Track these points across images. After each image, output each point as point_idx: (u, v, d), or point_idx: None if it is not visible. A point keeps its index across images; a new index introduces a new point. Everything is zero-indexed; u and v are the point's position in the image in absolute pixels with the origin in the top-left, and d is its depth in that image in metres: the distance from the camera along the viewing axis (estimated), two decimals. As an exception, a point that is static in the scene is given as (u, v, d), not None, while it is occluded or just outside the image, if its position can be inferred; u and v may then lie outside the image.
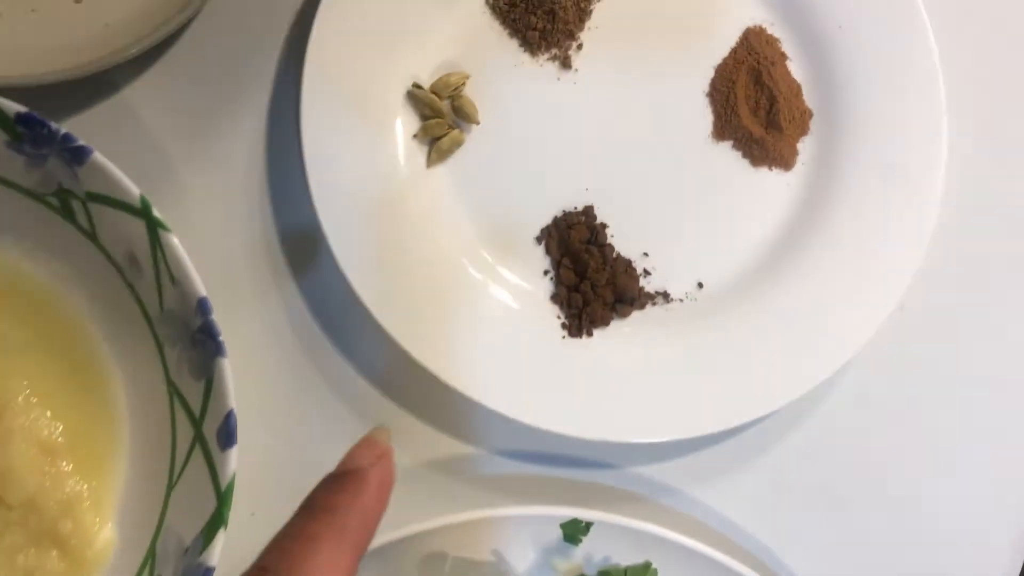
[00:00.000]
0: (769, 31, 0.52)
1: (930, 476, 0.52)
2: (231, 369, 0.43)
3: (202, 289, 0.43)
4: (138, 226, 0.44)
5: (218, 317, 0.43)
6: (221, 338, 0.43)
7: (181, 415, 0.46)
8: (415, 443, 0.50)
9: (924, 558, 0.51)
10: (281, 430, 0.50)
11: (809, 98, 0.52)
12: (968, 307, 0.53)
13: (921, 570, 0.51)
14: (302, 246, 0.50)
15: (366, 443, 0.27)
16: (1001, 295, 0.53)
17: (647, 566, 0.48)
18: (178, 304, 0.45)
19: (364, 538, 0.25)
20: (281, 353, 0.50)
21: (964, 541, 0.51)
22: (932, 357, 0.52)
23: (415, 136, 0.50)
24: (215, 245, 0.50)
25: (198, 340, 0.44)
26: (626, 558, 0.48)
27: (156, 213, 0.43)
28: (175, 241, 0.44)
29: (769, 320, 0.50)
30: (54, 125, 0.43)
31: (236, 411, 0.43)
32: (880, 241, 0.50)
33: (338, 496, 0.25)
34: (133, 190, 0.43)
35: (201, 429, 0.45)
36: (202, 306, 0.43)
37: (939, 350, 0.52)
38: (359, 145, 0.49)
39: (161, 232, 0.44)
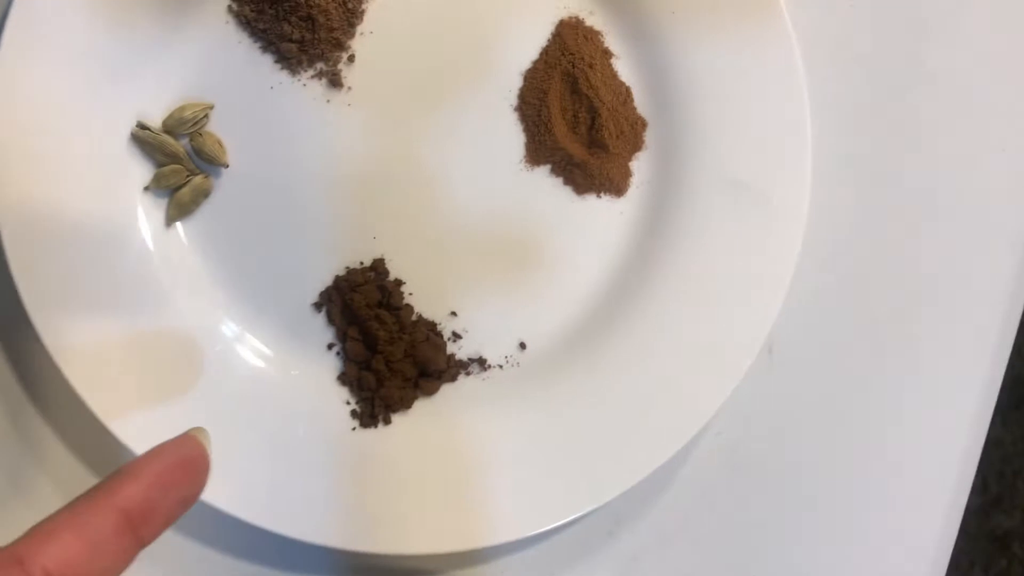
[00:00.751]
0: (588, 22, 0.42)
1: (818, 556, 0.43)
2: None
3: None
4: None
5: None
6: None
7: None
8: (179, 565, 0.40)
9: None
10: None
11: (641, 104, 0.42)
12: (846, 340, 0.44)
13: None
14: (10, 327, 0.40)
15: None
16: (882, 321, 0.44)
17: None
18: None
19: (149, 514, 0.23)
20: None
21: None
22: (809, 407, 0.44)
23: (147, 188, 0.40)
24: None
25: None
26: None
27: None
28: None
29: (610, 381, 0.41)
30: None
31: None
32: (738, 273, 0.41)
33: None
34: None
35: None
36: None
37: (817, 398, 0.44)
38: (78, 209, 0.38)
39: None
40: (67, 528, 0.21)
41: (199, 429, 0.26)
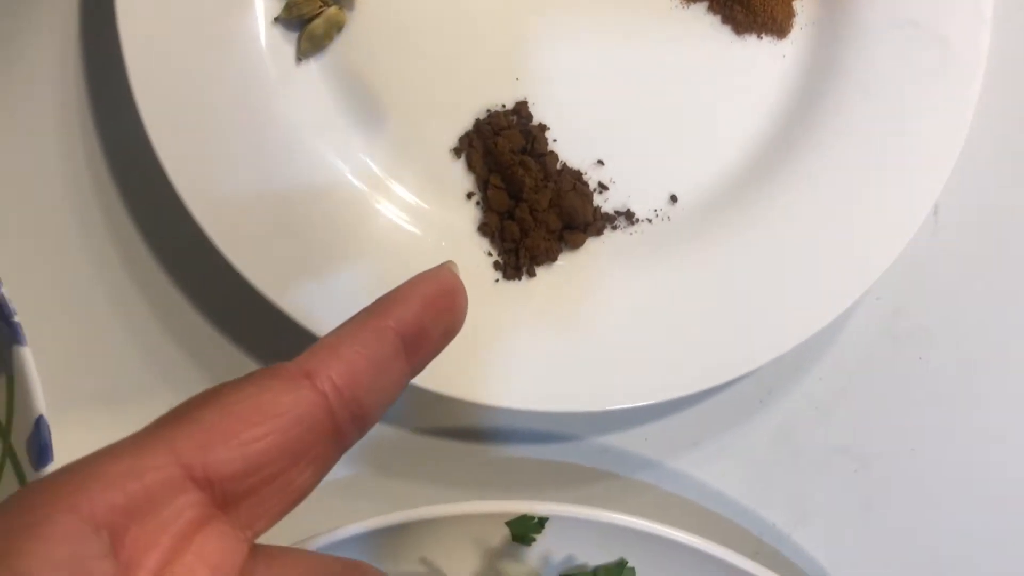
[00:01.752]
0: None
1: (977, 428, 0.41)
2: (38, 361, 0.32)
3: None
4: None
5: (22, 294, 0.32)
6: (17, 319, 0.32)
7: (-17, 419, 0.35)
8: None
9: (964, 534, 0.41)
10: (110, 427, 0.38)
11: (807, -63, 0.39)
12: (1018, 207, 0.41)
13: (958, 546, 0.41)
14: (140, 187, 0.38)
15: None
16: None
17: (621, 565, 0.38)
18: (-45, 274, 0.33)
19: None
20: (127, 330, 0.38)
21: (1009, 509, 0.41)
22: (974, 275, 0.41)
23: (277, 19, 0.37)
24: (23, 195, 0.38)
25: (-12, 324, 0.33)
26: (594, 556, 0.38)
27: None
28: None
29: (768, 239, 0.39)
30: None
31: (49, 415, 0.32)
32: (908, 126, 0.38)
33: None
34: None
35: (9, 440, 0.34)
36: (-17, 276, 0.32)
37: (982, 265, 0.41)
38: (203, 38, 0.36)
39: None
40: (351, 345, 0.21)
41: (451, 262, 0.25)
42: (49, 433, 0.32)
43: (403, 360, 0.22)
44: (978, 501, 0.41)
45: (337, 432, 0.20)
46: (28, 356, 0.32)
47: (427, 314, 0.22)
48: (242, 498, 0.19)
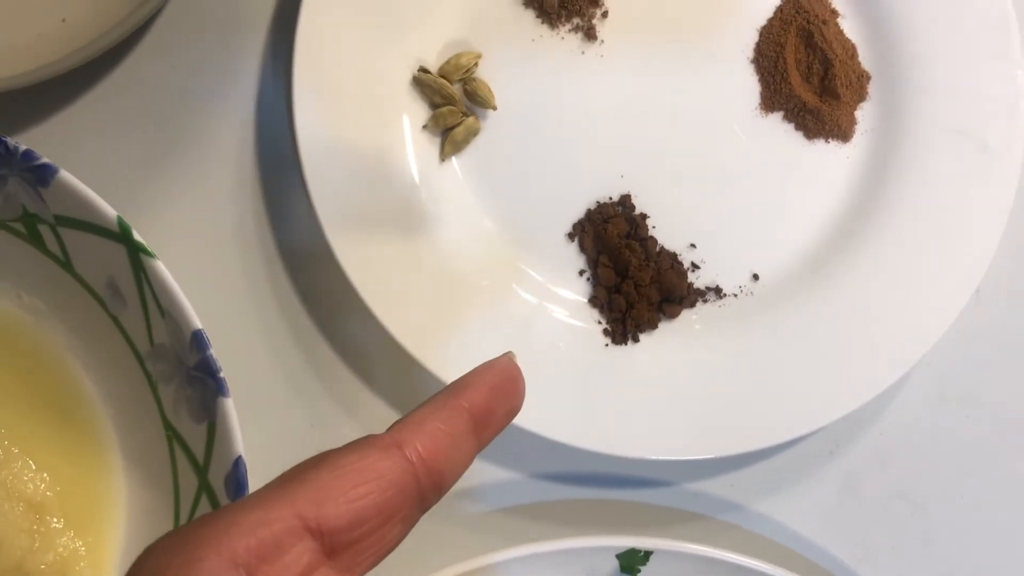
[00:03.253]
0: (817, -15, 0.46)
1: (1017, 478, 0.47)
2: (235, 408, 0.38)
3: (196, 321, 0.38)
4: (117, 252, 0.39)
5: (217, 350, 0.38)
6: (222, 375, 0.38)
7: (183, 461, 0.41)
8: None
9: (1013, 572, 0.47)
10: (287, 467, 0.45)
11: (866, 59, 0.46)
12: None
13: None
14: (305, 262, 0.45)
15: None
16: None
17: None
18: (170, 338, 0.40)
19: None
20: (290, 383, 0.45)
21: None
22: (1013, 344, 0.47)
23: (425, 127, 0.45)
24: (206, 268, 0.45)
25: (195, 378, 0.39)
26: (689, 587, 0.43)
27: (137, 237, 0.38)
28: (161, 267, 0.38)
29: (835, 312, 0.45)
30: (11, 141, 0.38)
31: (245, 455, 0.38)
32: (955, 217, 0.45)
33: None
34: (108, 211, 0.38)
35: (207, 477, 0.40)
36: (198, 340, 0.38)
37: (1021, 336, 0.47)
38: (362, 142, 0.43)
39: (144, 258, 0.39)
40: (432, 421, 0.24)
41: (511, 353, 0.29)
42: (246, 471, 0.39)
43: (473, 437, 0.25)
44: (1017, 540, 0.47)
45: (421, 495, 0.23)
46: (231, 405, 0.39)
47: (493, 397, 0.25)
48: (346, 547, 0.21)
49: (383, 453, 0.22)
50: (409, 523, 0.23)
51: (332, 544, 0.21)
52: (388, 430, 0.23)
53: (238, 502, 0.21)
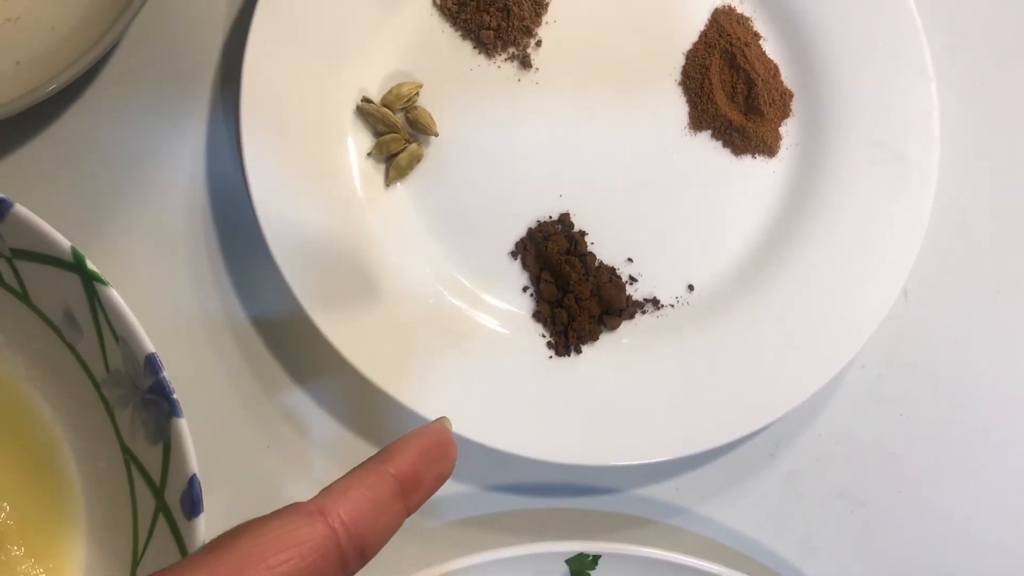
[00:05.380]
0: (739, 10, 0.49)
1: (952, 472, 0.49)
2: (189, 428, 0.40)
3: (149, 345, 0.40)
4: (72, 281, 0.41)
5: (171, 372, 0.40)
6: (175, 396, 0.40)
7: (140, 483, 0.42)
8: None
9: (951, 560, 0.48)
10: (249, 486, 0.46)
11: (788, 79, 0.49)
12: (974, 286, 0.50)
13: (941, 570, 0.49)
14: (257, 285, 0.47)
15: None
16: (1007, 271, 0.50)
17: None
18: (125, 363, 0.41)
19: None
20: (243, 404, 0.46)
21: (991, 542, 0.49)
22: (942, 343, 0.50)
23: (369, 154, 0.47)
24: (160, 293, 0.46)
25: (150, 401, 0.41)
26: (638, 589, 0.45)
27: (91, 266, 0.40)
28: (114, 294, 0.40)
29: (768, 318, 0.47)
30: (-34, 178, 0.39)
31: (199, 474, 0.40)
32: (878, 223, 0.47)
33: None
34: (63, 243, 0.40)
35: (163, 497, 0.41)
36: (151, 363, 0.40)
37: (949, 335, 0.50)
38: (310, 170, 0.45)
39: (98, 286, 0.40)
40: (356, 488, 0.25)
41: (444, 418, 0.30)
42: (200, 489, 0.40)
43: (400, 501, 0.25)
44: (956, 531, 0.48)
45: (343, 561, 0.23)
46: (184, 425, 0.40)
47: (421, 463, 0.26)
48: None
49: (305, 520, 0.23)
50: None
51: None
52: (313, 498, 0.24)
53: (157, 572, 0.22)
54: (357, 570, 0.24)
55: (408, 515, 0.26)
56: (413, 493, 0.26)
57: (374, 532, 0.24)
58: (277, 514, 0.24)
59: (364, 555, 0.24)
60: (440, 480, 0.27)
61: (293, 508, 0.24)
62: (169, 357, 0.40)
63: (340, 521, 0.24)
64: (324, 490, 0.25)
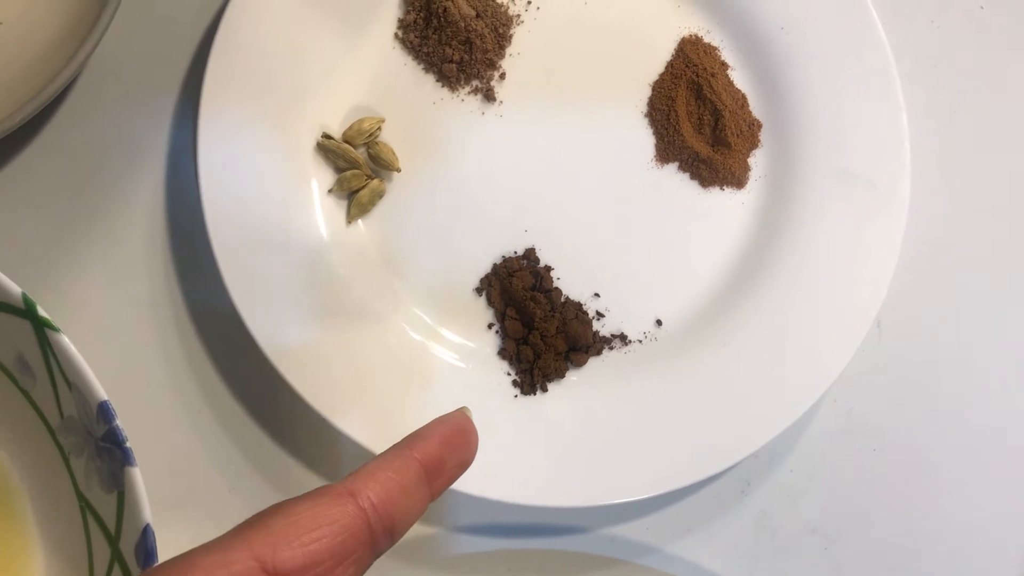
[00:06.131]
0: (706, 40, 0.49)
1: (926, 508, 0.48)
2: (144, 476, 0.39)
3: (102, 392, 0.39)
4: (24, 328, 0.40)
5: (127, 419, 0.39)
6: (128, 445, 0.39)
7: (96, 532, 0.42)
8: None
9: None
10: (212, 529, 0.45)
11: (756, 108, 0.48)
12: (949, 317, 0.49)
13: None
14: (217, 329, 0.46)
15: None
16: (982, 300, 0.49)
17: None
18: (78, 410, 0.40)
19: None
20: (204, 445, 0.45)
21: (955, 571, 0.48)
22: (916, 375, 0.49)
23: (330, 191, 0.46)
24: (118, 338, 0.45)
25: (104, 449, 0.40)
26: (607, 631, 0.44)
27: (41, 312, 0.39)
28: (65, 341, 0.39)
29: (738, 352, 0.46)
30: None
31: (155, 521, 0.39)
32: (849, 254, 0.47)
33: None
34: (13, 289, 0.39)
35: (118, 547, 0.41)
36: (104, 411, 0.39)
37: (923, 367, 0.49)
38: (270, 209, 0.44)
39: (49, 332, 0.39)
40: (385, 471, 0.26)
41: (466, 408, 0.31)
42: (155, 539, 0.39)
43: (425, 486, 0.26)
44: (930, 568, 0.48)
45: (373, 540, 0.24)
46: (137, 475, 0.39)
47: (445, 449, 0.27)
48: None
49: (336, 501, 0.24)
50: (362, 565, 0.24)
51: None
52: (342, 480, 0.25)
53: (200, 546, 0.23)
54: (386, 549, 0.25)
55: (433, 499, 0.27)
56: (437, 478, 0.27)
57: (402, 513, 0.25)
58: (309, 495, 0.24)
59: (393, 535, 0.25)
60: (463, 467, 0.28)
61: (324, 490, 0.24)
62: (127, 399, 0.39)
63: (370, 502, 0.25)
64: (353, 473, 0.25)
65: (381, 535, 0.25)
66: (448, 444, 0.28)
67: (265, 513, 0.24)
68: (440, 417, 0.29)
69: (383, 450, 0.42)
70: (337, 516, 0.24)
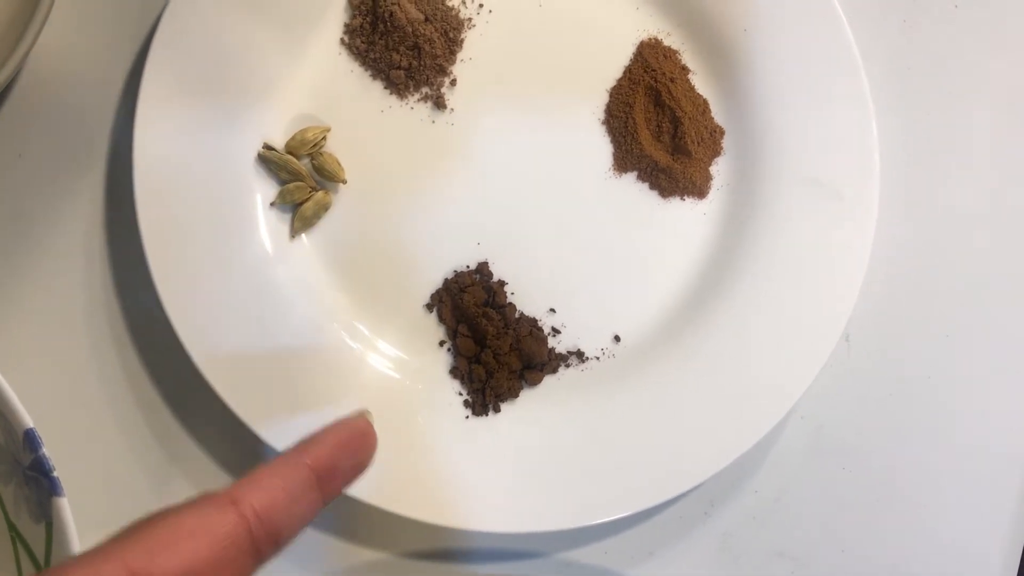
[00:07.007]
0: (666, 43, 0.47)
1: (897, 529, 0.46)
2: (78, 497, 0.38)
3: (27, 420, 0.37)
4: (-54, 352, 0.38)
5: (61, 444, 0.38)
6: (55, 474, 0.38)
7: (26, 562, 0.40)
8: (306, 554, 0.44)
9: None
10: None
11: (718, 114, 0.47)
12: (919, 330, 0.47)
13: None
14: (155, 343, 0.44)
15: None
16: (952, 312, 0.48)
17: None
18: (5, 438, 0.39)
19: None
20: (139, 466, 0.44)
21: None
22: (886, 390, 0.47)
23: (273, 204, 0.44)
24: (53, 359, 0.44)
25: (31, 478, 0.39)
26: (564, 661, 0.42)
27: (-38, 337, 0.38)
28: (-11, 367, 0.38)
29: (701, 369, 0.45)
30: None
31: (88, 545, 0.38)
32: (815, 266, 0.45)
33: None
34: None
35: (47, 578, 0.39)
36: (30, 440, 0.38)
37: (893, 381, 0.47)
38: (211, 224, 0.43)
39: (-29, 358, 0.38)
40: (270, 478, 0.26)
41: (366, 410, 0.31)
42: (83, 571, 0.38)
43: (316, 492, 0.26)
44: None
45: (255, 548, 0.24)
46: (65, 505, 0.38)
47: (339, 453, 0.27)
48: None
49: (218, 508, 0.24)
50: (243, 574, 0.24)
51: None
52: (226, 488, 0.25)
53: (73, 558, 0.22)
54: (271, 556, 0.25)
55: (325, 504, 0.27)
56: (330, 483, 0.27)
57: (288, 520, 0.25)
58: (191, 503, 0.24)
59: (278, 543, 0.25)
60: (359, 469, 0.28)
61: (206, 498, 0.24)
62: (59, 418, 0.38)
63: (252, 510, 0.24)
64: (237, 481, 0.25)
65: (264, 543, 0.24)
66: (343, 448, 0.28)
67: (145, 521, 0.23)
68: (339, 420, 0.29)
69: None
70: (218, 524, 0.24)
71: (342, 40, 0.46)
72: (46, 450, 0.38)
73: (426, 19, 0.45)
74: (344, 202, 0.45)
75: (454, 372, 0.45)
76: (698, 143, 0.45)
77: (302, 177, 0.44)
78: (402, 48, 0.45)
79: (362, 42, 0.45)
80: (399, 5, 0.44)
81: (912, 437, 0.47)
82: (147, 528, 0.23)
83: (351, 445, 0.28)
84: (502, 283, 0.45)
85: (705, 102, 0.46)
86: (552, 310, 0.45)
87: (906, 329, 0.47)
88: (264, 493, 0.25)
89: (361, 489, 0.41)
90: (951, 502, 0.46)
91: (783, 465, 0.46)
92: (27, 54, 0.39)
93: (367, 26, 0.45)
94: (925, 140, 0.48)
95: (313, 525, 0.44)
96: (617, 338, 0.46)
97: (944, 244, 0.48)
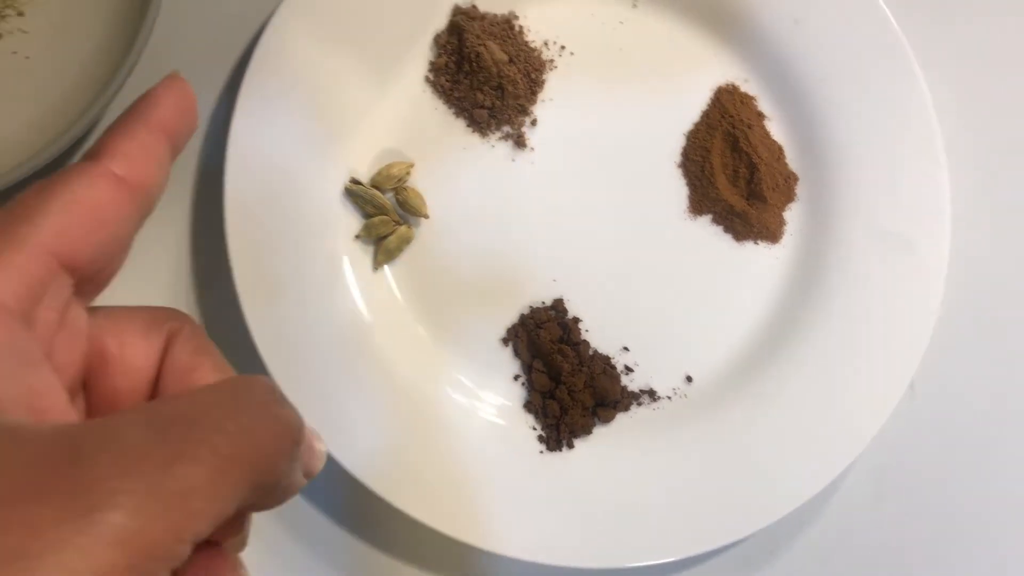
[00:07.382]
0: (743, 89, 0.48)
1: (954, 572, 0.47)
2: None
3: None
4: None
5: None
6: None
7: None
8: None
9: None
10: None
11: (793, 161, 0.48)
12: (986, 381, 0.48)
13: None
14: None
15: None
16: (1020, 365, 0.48)
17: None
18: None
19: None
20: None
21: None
22: (951, 440, 0.48)
23: (357, 237, 0.45)
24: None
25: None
26: None
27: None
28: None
29: (769, 412, 0.45)
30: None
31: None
32: (884, 314, 0.46)
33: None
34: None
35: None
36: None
37: (959, 432, 0.48)
38: (296, 255, 0.44)
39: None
40: (138, 146, 0.24)
41: (175, 70, 0.27)
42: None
43: (170, 156, 0.24)
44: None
45: (140, 216, 0.23)
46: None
47: (179, 117, 0.25)
48: (88, 280, 0.22)
49: (105, 181, 0.22)
50: (129, 242, 0.23)
51: (79, 278, 0.21)
52: (93, 155, 0.23)
53: None
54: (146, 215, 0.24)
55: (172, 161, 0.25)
56: (176, 145, 0.25)
57: (158, 183, 0.24)
58: (73, 176, 0.22)
59: (152, 205, 0.24)
60: (191, 133, 0.26)
61: (86, 170, 0.22)
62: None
63: (134, 179, 0.23)
64: (102, 145, 0.23)
65: (146, 207, 0.23)
66: (180, 112, 0.25)
67: (33, 201, 0.21)
68: (164, 83, 0.26)
69: (399, 505, 0.41)
70: (109, 200, 0.22)
71: (427, 78, 0.47)
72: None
73: (510, 60, 0.46)
74: (426, 236, 0.46)
75: (528, 407, 0.45)
76: (773, 189, 0.46)
77: (387, 211, 0.45)
78: (486, 88, 0.46)
79: (447, 80, 0.46)
80: (485, 46, 0.45)
81: (975, 487, 0.48)
82: (44, 210, 0.21)
83: (184, 107, 0.26)
84: (577, 320, 0.46)
85: (780, 148, 0.47)
86: (625, 348, 0.46)
87: (973, 381, 0.48)
88: (138, 163, 0.23)
89: (434, 517, 0.42)
90: (1017, 552, 0.47)
91: (847, 511, 0.47)
92: (130, 72, 0.41)
93: (452, 65, 0.46)
94: (997, 193, 0.49)
95: (383, 550, 0.45)
96: (689, 378, 0.46)
97: (1013, 297, 0.49)
